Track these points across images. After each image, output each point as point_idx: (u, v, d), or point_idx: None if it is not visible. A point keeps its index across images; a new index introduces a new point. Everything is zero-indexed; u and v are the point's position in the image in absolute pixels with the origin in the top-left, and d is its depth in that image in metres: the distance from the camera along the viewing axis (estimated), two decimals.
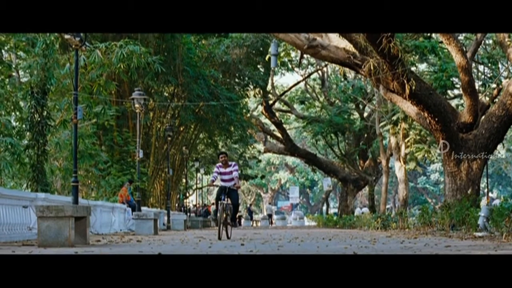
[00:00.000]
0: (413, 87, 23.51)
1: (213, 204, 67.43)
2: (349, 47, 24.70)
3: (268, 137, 57.78)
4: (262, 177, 76.53)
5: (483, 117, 25.98)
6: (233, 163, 18.60)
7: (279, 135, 54.75)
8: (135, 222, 24.11)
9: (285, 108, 59.41)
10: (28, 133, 24.00)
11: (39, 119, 23.35)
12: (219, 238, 17.14)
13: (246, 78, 47.19)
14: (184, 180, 55.60)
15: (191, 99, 40.83)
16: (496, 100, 29.04)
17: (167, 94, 43.56)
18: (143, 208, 31.49)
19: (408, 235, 19.83)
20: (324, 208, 77.52)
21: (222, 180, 18.35)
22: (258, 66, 47.82)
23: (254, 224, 69.55)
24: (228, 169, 18.17)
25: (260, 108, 54.60)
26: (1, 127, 23.61)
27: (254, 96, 51.38)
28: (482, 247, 11.76)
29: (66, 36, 17.93)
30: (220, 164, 18.41)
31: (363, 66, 24.24)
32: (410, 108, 25.64)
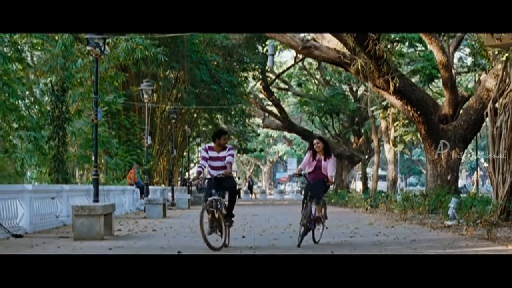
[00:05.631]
0: (397, 84, 25.89)
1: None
2: (340, 47, 26.99)
3: (266, 114, 59.96)
4: (261, 150, 78.94)
5: (462, 109, 28.43)
6: (230, 146, 13.82)
7: (277, 112, 56.89)
8: (146, 206, 26.56)
9: (283, 85, 61.53)
10: (48, 126, 26.48)
11: (59, 113, 25.89)
12: (211, 247, 12.64)
13: (246, 61, 49.42)
14: (185, 155, 58.15)
15: (194, 82, 43.33)
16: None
17: (172, 76, 45.83)
18: (150, 188, 34.14)
19: (389, 220, 22.46)
20: None
21: (212, 168, 13.50)
22: (257, 50, 50.01)
23: (253, 197, 72.02)
24: (222, 154, 13.41)
25: (259, 87, 56.66)
26: (26, 122, 26.18)
27: (253, 78, 53.53)
28: (440, 242, 14.33)
29: (88, 48, 20.28)
30: (212, 145, 13.55)
31: (352, 65, 26.55)
32: (395, 101, 27.97)
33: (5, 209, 16.67)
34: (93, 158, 31.29)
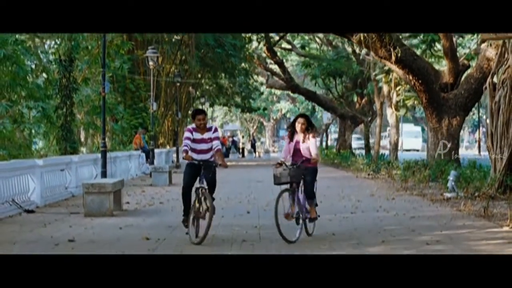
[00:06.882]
0: (399, 54, 26.30)
1: (223, 138, 70.04)
2: None
3: (270, 74, 60.11)
4: (264, 109, 79.24)
5: (463, 77, 28.83)
6: (213, 126, 12.70)
7: (280, 73, 57.04)
8: (153, 174, 27.08)
9: (286, 46, 61.57)
10: (56, 96, 27.00)
11: (66, 83, 26.39)
12: (197, 242, 11.84)
13: None
14: (190, 117, 58.59)
15: (198, 46, 43.71)
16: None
17: (177, 38, 46.10)
18: (155, 150, 34.70)
19: (390, 190, 22.98)
20: (324, 139, 79.90)
21: (195, 151, 12.38)
22: None
23: (257, 155, 72.54)
24: (206, 135, 12.38)
25: (263, 47, 56.72)
26: (34, 92, 26.68)
27: (257, 40, 53.62)
28: (438, 219, 14.87)
29: None
30: (194, 127, 12.40)
31: (354, 35, 26.88)
32: (397, 69, 28.35)
33: (17, 184, 17.23)
34: (99, 124, 32.11)
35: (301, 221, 12.33)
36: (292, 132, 12.50)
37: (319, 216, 12.95)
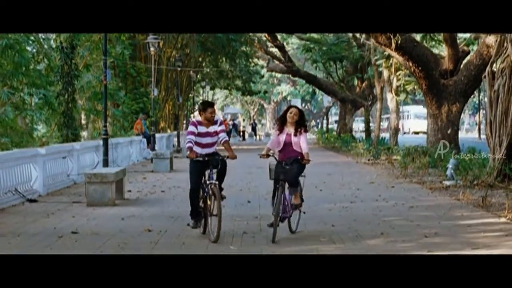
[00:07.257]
0: (399, 41, 26.44)
1: (224, 121, 69.98)
2: None
3: (270, 57, 60.18)
4: (265, 92, 79.35)
5: (462, 64, 28.94)
6: (219, 119, 12.28)
7: (281, 57, 57.07)
8: (154, 160, 27.27)
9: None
10: (57, 82, 27.16)
11: (68, 70, 26.55)
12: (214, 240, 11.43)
13: None
14: (191, 96, 58.93)
15: None
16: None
17: None
18: (156, 135, 34.87)
19: (390, 177, 23.12)
20: (325, 122, 79.92)
21: (200, 145, 12.02)
22: None
23: (258, 138, 72.77)
24: (211, 128, 12.04)
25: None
26: (35, 79, 26.84)
27: None
28: (436, 209, 15.03)
29: None
30: (200, 120, 12.04)
31: None
32: (397, 56, 28.53)
33: (20, 174, 17.37)
34: (100, 109, 32.28)
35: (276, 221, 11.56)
36: (282, 123, 11.78)
37: (304, 213, 12.67)
